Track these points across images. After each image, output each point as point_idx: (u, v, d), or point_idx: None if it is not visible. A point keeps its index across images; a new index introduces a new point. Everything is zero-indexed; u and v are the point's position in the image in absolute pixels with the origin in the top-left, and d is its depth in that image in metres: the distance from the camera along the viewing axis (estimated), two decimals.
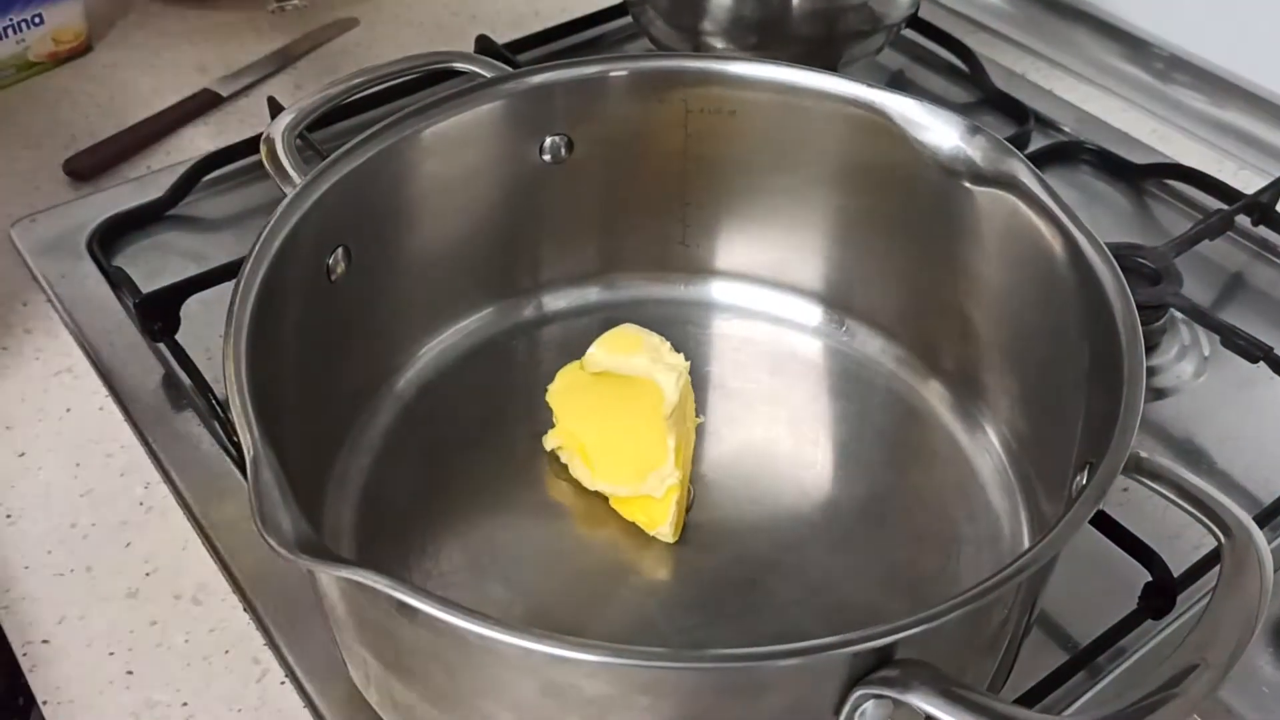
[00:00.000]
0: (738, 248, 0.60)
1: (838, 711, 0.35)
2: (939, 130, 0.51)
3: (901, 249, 0.55)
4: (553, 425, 0.53)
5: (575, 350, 0.59)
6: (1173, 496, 0.39)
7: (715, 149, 0.56)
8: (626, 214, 0.59)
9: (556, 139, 0.55)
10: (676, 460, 0.49)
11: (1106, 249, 0.45)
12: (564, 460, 0.52)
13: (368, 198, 0.50)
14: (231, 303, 0.42)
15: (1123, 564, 0.50)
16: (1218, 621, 0.35)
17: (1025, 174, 0.48)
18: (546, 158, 0.55)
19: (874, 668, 0.34)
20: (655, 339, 0.50)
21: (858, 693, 0.34)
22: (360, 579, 0.33)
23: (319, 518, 0.49)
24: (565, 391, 0.51)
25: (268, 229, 0.45)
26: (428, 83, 0.70)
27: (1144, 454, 0.39)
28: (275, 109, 0.73)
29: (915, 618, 0.34)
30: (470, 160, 0.54)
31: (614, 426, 0.50)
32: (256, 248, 0.44)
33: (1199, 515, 0.38)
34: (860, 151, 0.54)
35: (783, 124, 0.55)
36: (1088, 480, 0.39)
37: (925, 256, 0.54)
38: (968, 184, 0.51)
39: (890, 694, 0.33)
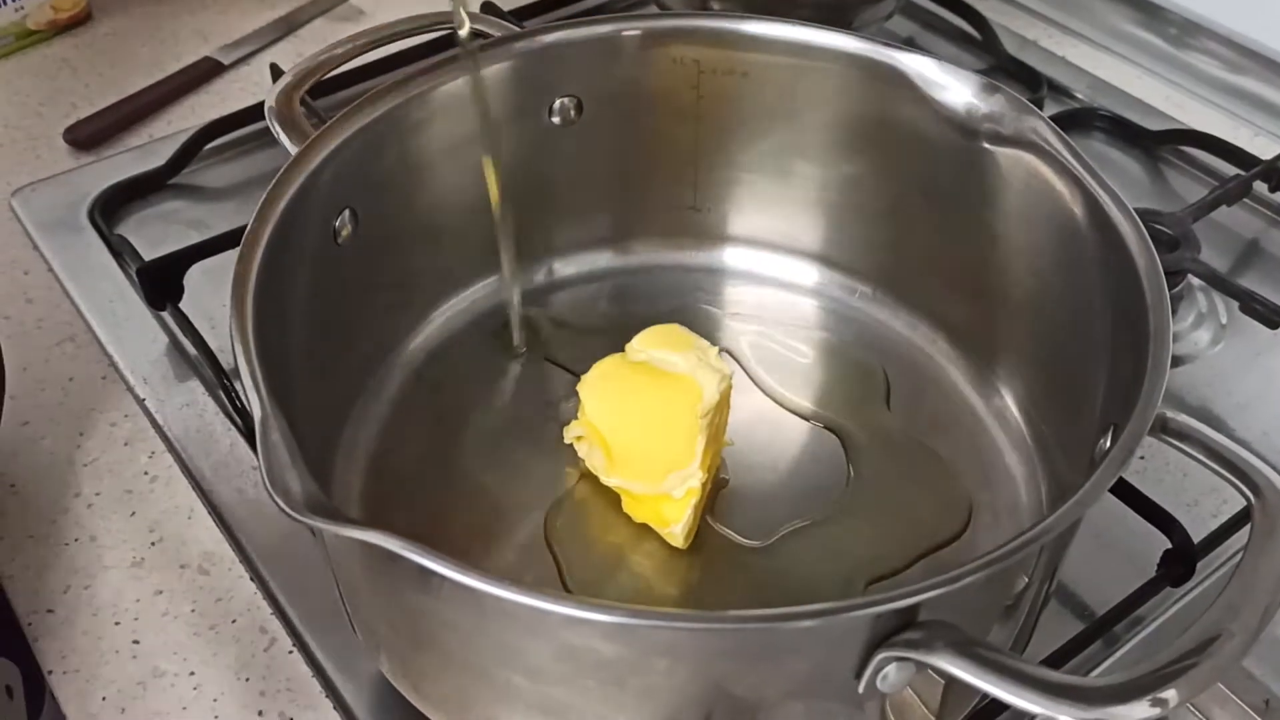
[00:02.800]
0: (750, 213, 0.59)
1: (859, 675, 0.34)
2: (956, 90, 0.50)
3: (918, 212, 0.54)
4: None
5: (585, 317, 0.58)
6: (1201, 457, 0.38)
7: (727, 111, 0.55)
8: (637, 178, 0.58)
9: (566, 101, 0.54)
10: (702, 464, 0.47)
11: (1129, 206, 0.44)
12: (582, 454, 0.50)
13: (375, 159, 0.49)
14: (238, 260, 0.41)
15: (1138, 533, 0.50)
16: (1248, 583, 0.34)
17: (1047, 132, 0.47)
18: (556, 120, 0.54)
19: (897, 630, 0.33)
20: (705, 343, 0.49)
21: (880, 655, 0.33)
22: (371, 539, 0.33)
23: (328, 486, 0.48)
24: (598, 381, 0.49)
25: (274, 187, 0.44)
26: (434, 49, 0.69)
27: (1170, 414, 0.38)
28: (277, 76, 0.72)
29: (939, 579, 0.33)
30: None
31: (643, 420, 0.48)
32: (262, 206, 0.43)
33: (1228, 475, 0.37)
34: (875, 113, 0.53)
35: (796, 85, 0.54)
36: (1112, 443, 0.38)
37: (942, 220, 0.54)
38: (986, 144, 0.50)
39: (914, 656, 0.33)
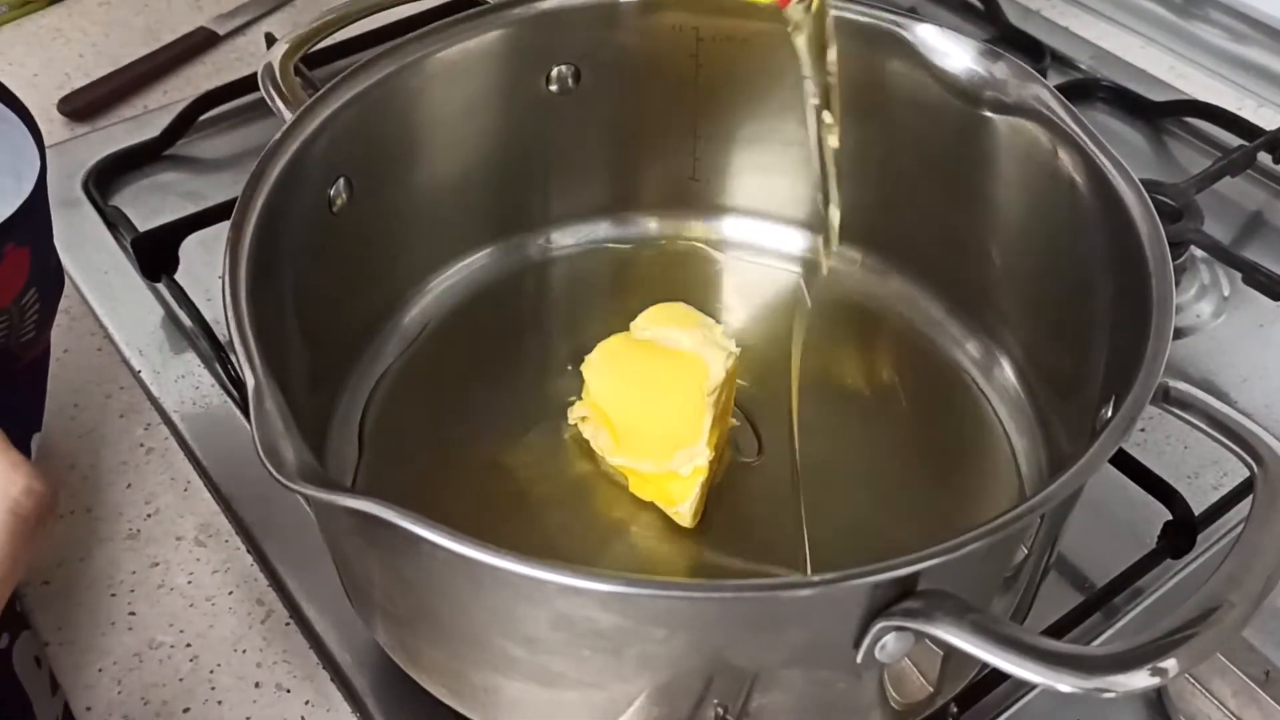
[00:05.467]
0: (749, 183, 0.58)
1: (857, 645, 0.34)
2: (958, 57, 0.49)
3: (919, 182, 0.54)
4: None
5: (584, 288, 0.58)
6: (1203, 426, 0.37)
7: (727, 79, 0.55)
8: (636, 148, 0.57)
9: (564, 69, 0.53)
10: (709, 442, 0.46)
11: (1132, 173, 0.44)
12: (587, 435, 0.50)
13: (370, 126, 0.48)
14: (231, 228, 0.41)
15: (1138, 505, 0.50)
16: (1249, 554, 0.34)
17: (1050, 99, 0.47)
18: (554, 88, 0.54)
19: (895, 599, 0.33)
20: (710, 321, 0.49)
21: (878, 625, 0.33)
22: (364, 507, 0.32)
23: (323, 457, 0.48)
24: (602, 361, 0.49)
25: (267, 154, 0.43)
26: (431, 17, 0.69)
27: (1173, 383, 0.38)
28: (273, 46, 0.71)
29: (938, 547, 0.33)
30: (475, 89, 0.52)
31: (649, 399, 0.48)
32: (255, 173, 0.42)
33: (1230, 445, 0.37)
34: (877, 81, 0.52)
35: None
36: (1113, 412, 0.38)
37: (943, 189, 0.53)
38: (988, 112, 0.49)
39: (912, 626, 0.32)
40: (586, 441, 0.50)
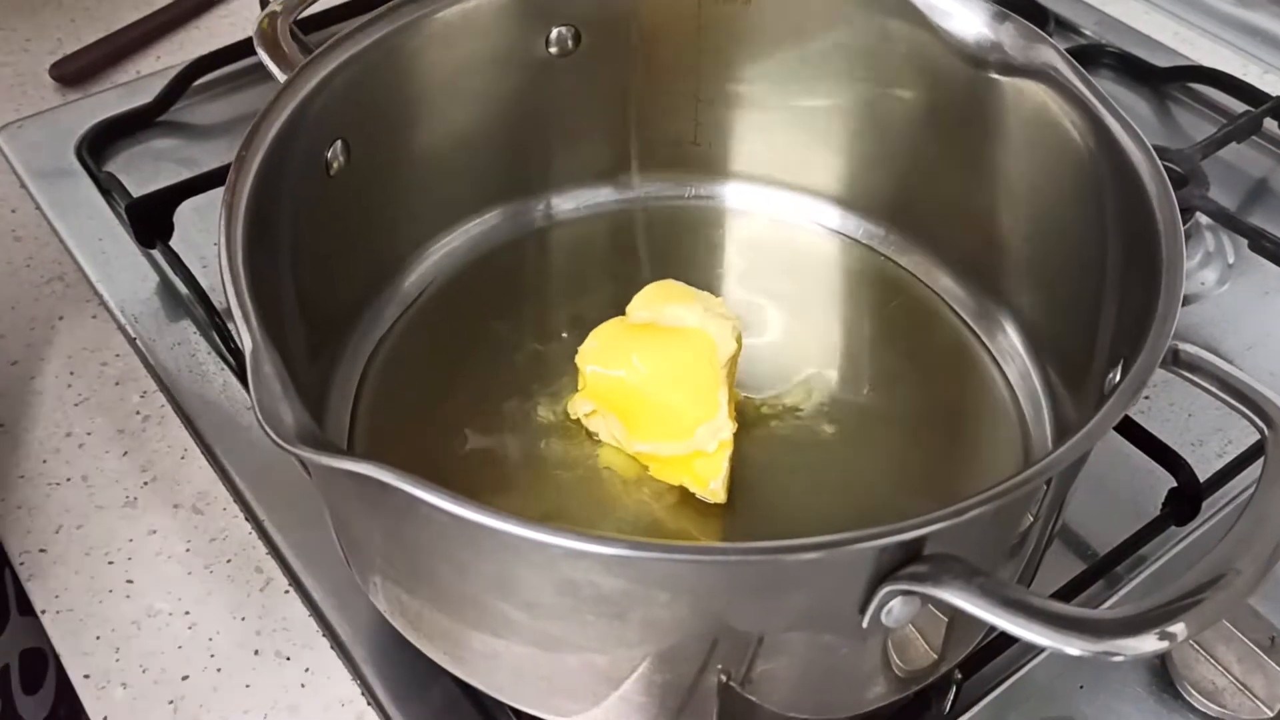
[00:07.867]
0: (752, 147, 0.57)
1: (863, 609, 0.33)
2: (965, 18, 0.49)
3: (923, 146, 0.53)
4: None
5: (585, 254, 0.57)
6: (1212, 389, 0.37)
7: (729, 41, 0.54)
8: (636, 111, 0.56)
9: (563, 30, 0.53)
10: (729, 414, 0.45)
11: (1140, 134, 0.43)
12: (595, 429, 0.49)
13: (367, 88, 0.48)
14: (226, 190, 0.40)
15: (1143, 473, 0.49)
16: (1259, 518, 0.33)
17: (1058, 61, 0.46)
18: (553, 50, 0.53)
19: (902, 563, 0.33)
20: (706, 294, 0.48)
21: (885, 589, 0.33)
22: (364, 470, 0.32)
23: (321, 424, 0.47)
24: (600, 352, 0.47)
25: (263, 114, 0.43)
26: None
27: (1182, 345, 0.37)
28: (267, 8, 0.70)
29: (944, 511, 0.32)
30: (474, 51, 0.51)
31: (659, 380, 0.46)
32: (251, 134, 0.42)
33: (1240, 407, 0.36)
34: (882, 42, 0.52)
35: (800, 14, 0.52)
36: (1121, 376, 0.38)
37: (948, 153, 0.52)
38: (995, 74, 0.48)
39: (920, 589, 0.32)
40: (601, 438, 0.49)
